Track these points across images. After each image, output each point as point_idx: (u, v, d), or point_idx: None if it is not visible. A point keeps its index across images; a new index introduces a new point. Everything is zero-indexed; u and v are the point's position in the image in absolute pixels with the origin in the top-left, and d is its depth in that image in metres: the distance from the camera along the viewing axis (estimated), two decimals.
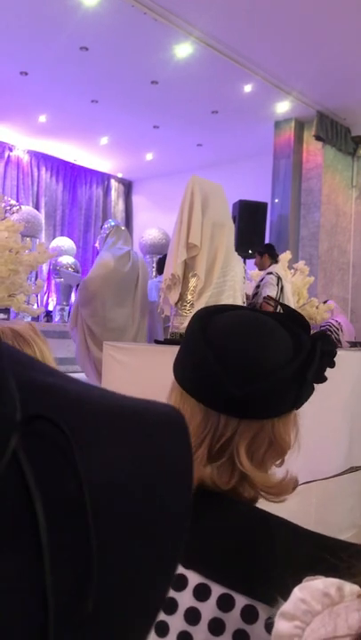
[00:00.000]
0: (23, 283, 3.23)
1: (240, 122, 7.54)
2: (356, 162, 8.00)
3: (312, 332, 0.81)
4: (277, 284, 4.45)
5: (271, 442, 0.72)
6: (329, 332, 5.57)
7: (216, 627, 0.60)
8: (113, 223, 4.45)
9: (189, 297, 2.92)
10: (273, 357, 0.73)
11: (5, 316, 5.38)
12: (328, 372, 0.82)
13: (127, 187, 11.03)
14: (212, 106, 7.19)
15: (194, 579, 0.63)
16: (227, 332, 0.76)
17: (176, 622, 0.62)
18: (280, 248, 6.17)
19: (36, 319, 6.63)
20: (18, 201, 8.61)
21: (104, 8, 5.21)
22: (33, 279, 6.92)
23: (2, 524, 0.22)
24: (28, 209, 8.45)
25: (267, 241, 7.04)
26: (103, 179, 10.60)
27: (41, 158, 9.59)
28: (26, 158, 9.43)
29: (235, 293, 3.03)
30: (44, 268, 8.94)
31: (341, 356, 3.92)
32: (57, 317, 8.15)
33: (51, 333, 5.86)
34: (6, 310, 4.97)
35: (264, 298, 4.34)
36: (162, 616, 0.63)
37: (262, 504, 0.78)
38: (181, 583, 0.63)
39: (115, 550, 0.25)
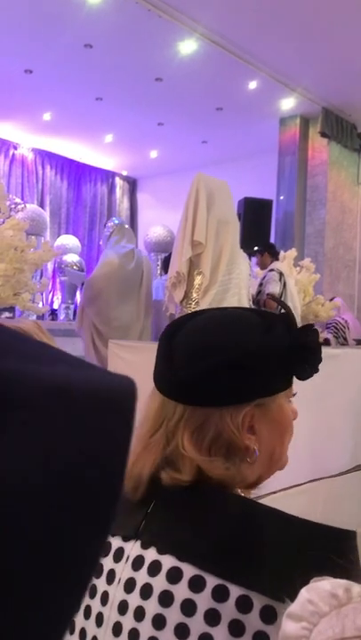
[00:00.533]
0: (28, 281, 3.23)
1: (245, 119, 7.52)
2: None
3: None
4: (280, 280, 4.44)
5: (219, 434, 0.71)
6: (335, 330, 5.56)
7: (212, 617, 0.60)
8: (116, 221, 4.44)
9: (194, 295, 2.91)
10: (223, 343, 0.73)
11: (10, 315, 5.39)
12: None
13: (132, 184, 11.03)
14: (217, 103, 7.17)
15: (188, 571, 0.64)
16: (193, 323, 0.78)
17: (173, 615, 0.62)
18: (285, 245, 6.16)
19: (41, 317, 6.63)
20: (22, 199, 8.62)
21: (108, 5, 5.20)
22: (38, 277, 6.93)
23: None
24: (32, 207, 8.46)
25: (272, 238, 7.03)
26: (108, 176, 10.60)
27: (45, 156, 9.59)
28: (30, 156, 9.43)
29: (240, 291, 3.03)
30: (49, 266, 8.95)
31: (348, 353, 3.94)
32: (62, 316, 8.16)
33: (56, 332, 5.86)
34: (11, 309, 4.98)
35: (267, 295, 4.32)
36: (158, 609, 0.63)
37: (269, 501, 0.78)
38: (177, 576, 0.64)
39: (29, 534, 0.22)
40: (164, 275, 4.83)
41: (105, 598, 0.69)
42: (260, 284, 4.55)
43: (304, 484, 2.72)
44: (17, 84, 6.88)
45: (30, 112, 7.77)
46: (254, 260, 5.50)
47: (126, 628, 0.65)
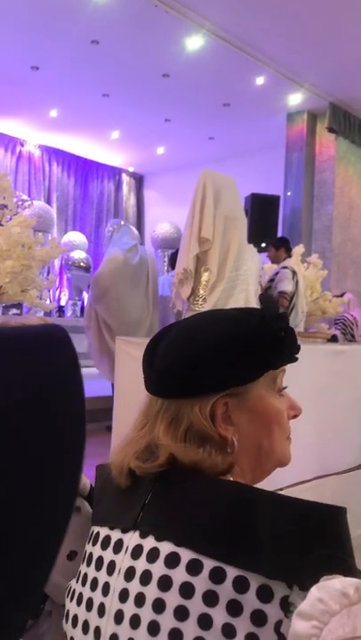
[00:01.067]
0: (36, 278, 3.24)
1: (252, 114, 7.49)
2: None
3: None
4: (293, 279, 4.42)
5: (192, 425, 0.73)
6: (343, 326, 5.53)
7: (210, 598, 0.62)
8: (116, 221, 4.51)
9: (202, 291, 2.90)
10: (192, 338, 0.76)
11: (18, 312, 5.41)
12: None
13: (138, 181, 11.02)
14: (224, 98, 7.15)
15: (186, 555, 0.65)
16: (180, 323, 0.82)
17: (172, 598, 0.64)
18: (293, 241, 6.13)
19: (48, 314, 6.65)
20: (29, 196, 8.64)
21: (115, 1, 5.19)
22: (45, 274, 6.95)
23: None
24: (39, 204, 8.47)
25: (279, 234, 7.00)
26: (114, 173, 10.60)
27: (52, 153, 9.60)
28: (37, 153, 9.44)
29: (248, 287, 3.02)
30: (56, 263, 8.97)
31: (355, 350, 3.91)
32: (69, 312, 8.18)
33: None
34: (19, 305, 5.00)
35: (279, 292, 4.31)
36: (158, 594, 0.65)
37: None
38: (174, 560, 0.65)
39: None
40: (171, 271, 4.83)
41: (106, 589, 0.70)
42: (271, 280, 4.53)
43: (311, 480, 2.72)
44: (23, 81, 6.88)
45: (37, 109, 7.77)
46: (263, 255, 5.48)
47: (127, 615, 0.66)
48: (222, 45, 5.83)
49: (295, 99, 7.12)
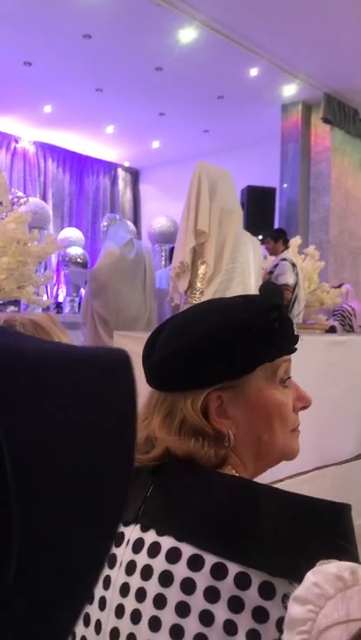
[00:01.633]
0: (32, 274, 3.23)
1: (246, 106, 7.46)
2: None
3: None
4: (293, 271, 4.41)
5: (185, 418, 0.73)
6: (342, 317, 5.54)
7: (211, 595, 0.62)
8: (112, 215, 4.50)
9: (199, 284, 2.90)
10: (185, 330, 0.75)
11: (16, 309, 5.40)
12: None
13: (134, 175, 10.99)
14: (218, 91, 7.12)
15: (187, 550, 0.65)
16: (179, 314, 0.82)
17: (173, 594, 0.64)
18: (290, 233, 6.12)
19: (46, 310, 6.64)
20: (25, 193, 8.60)
21: None
22: (42, 271, 6.94)
23: None
24: (35, 200, 8.45)
25: (276, 226, 6.99)
26: (110, 168, 10.57)
27: (47, 149, 9.57)
28: (32, 149, 9.41)
29: (245, 279, 3.02)
30: (53, 259, 8.96)
31: (353, 340, 3.93)
32: (67, 309, 8.17)
33: (61, 325, 5.87)
34: (16, 302, 4.99)
35: (282, 285, 4.30)
36: (159, 589, 0.65)
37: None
38: (176, 556, 0.65)
39: (42, 513, 0.23)
40: (169, 265, 4.83)
41: (107, 582, 0.70)
42: (270, 272, 4.52)
43: (310, 471, 2.72)
44: (16, 77, 6.85)
45: (31, 105, 7.74)
46: (263, 246, 5.47)
47: (128, 609, 0.66)
48: (215, 37, 5.80)
49: (290, 90, 7.10)
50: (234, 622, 0.60)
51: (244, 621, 0.59)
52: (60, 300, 8.65)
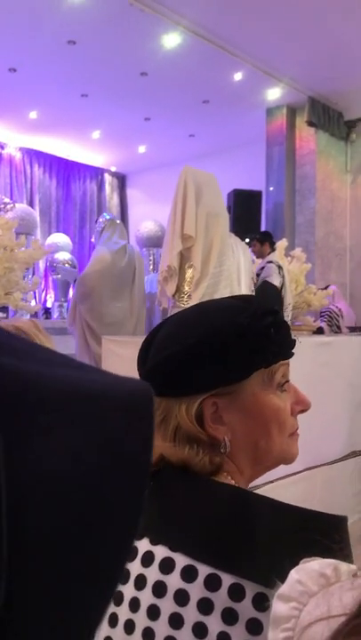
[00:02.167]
0: (19, 280, 3.22)
1: (231, 110, 7.50)
2: (349, 146, 7.96)
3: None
4: (280, 273, 4.43)
5: (179, 425, 0.72)
6: (329, 318, 5.57)
7: (205, 606, 0.61)
8: (108, 217, 4.43)
9: (186, 288, 2.91)
10: (178, 334, 0.74)
11: (4, 315, 5.38)
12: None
13: (121, 180, 10.99)
14: (203, 95, 7.15)
15: (181, 561, 0.64)
16: (173, 316, 0.81)
17: (166, 605, 0.63)
18: (276, 236, 6.16)
19: (34, 316, 6.62)
20: (12, 199, 8.58)
21: (90, 0, 5.17)
22: (30, 276, 6.91)
23: None
24: (22, 206, 8.42)
25: (263, 229, 7.02)
26: (97, 173, 10.56)
27: (33, 155, 9.55)
28: (18, 156, 9.38)
29: (232, 283, 3.03)
30: (41, 265, 8.93)
31: (341, 341, 3.97)
32: (56, 314, 8.15)
33: (50, 330, 5.82)
34: (4, 309, 4.97)
35: None
36: (152, 599, 0.64)
37: (267, 490, 0.78)
38: (169, 566, 0.64)
39: (38, 557, 0.22)
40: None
41: None
42: (257, 275, 4.54)
43: (301, 472, 2.74)
44: (1, 83, 6.83)
45: (16, 111, 7.72)
46: (249, 249, 5.49)
47: (122, 619, 0.66)
48: (199, 42, 5.83)
49: (274, 93, 7.14)
50: (228, 634, 0.59)
51: (238, 633, 0.59)
52: (49, 305, 8.62)
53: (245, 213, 6.96)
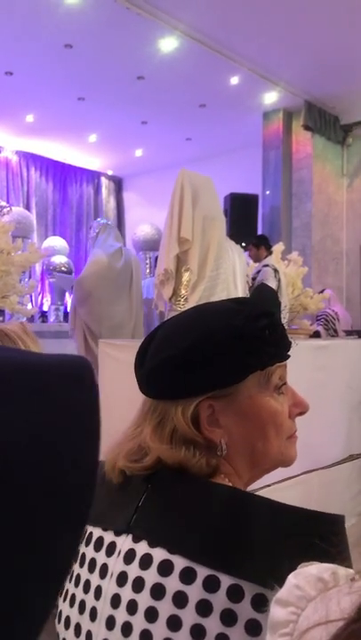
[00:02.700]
0: (16, 283, 3.22)
1: (228, 114, 7.52)
2: (345, 150, 7.99)
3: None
4: (275, 277, 4.44)
5: (175, 428, 0.72)
6: (325, 322, 5.58)
7: (204, 608, 0.61)
8: (102, 221, 4.43)
9: (183, 291, 2.91)
10: (173, 336, 0.74)
11: (1, 318, 5.36)
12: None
13: (118, 184, 11.00)
14: (200, 99, 7.17)
15: (179, 563, 0.64)
16: (171, 319, 0.81)
17: (165, 607, 0.63)
18: (273, 239, 6.16)
19: (31, 319, 6.61)
20: (8, 202, 8.57)
21: (87, 4, 5.17)
22: (27, 280, 6.91)
23: None
24: (18, 210, 8.42)
25: (259, 233, 7.03)
26: (93, 177, 10.57)
27: (30, 158, 9.55)
28: (15, 159, 9.38)
29: (228, 286, 3.03)
30: (38, 268, 8.92)
31: (337, 345, 3.97)
32: (52, 317, 8.13)
33: (46, 334, 5.84)
34: (0, 312, 4.96)
35: None
36: (151, 602, 0.64)
37: (264, 493, 0.78)
38: (168, 568, 0.64)
39: None
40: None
41: (98, 592, 0.69)
42: (253, 279, 4.55)
43: (298, 475, 2.73)
44: None
45: (13, 114, 7.72)
46: (246, 253, 5.50)
47: (119, 621, 0.65)
48: (196, 46, 5.84)
49: (270, 97, 7.16)
50: (227, 636, 0.59)
51: (237, 635, 0.58)
52: (45, 308, 8.61)
53: (242, 217, 6.97)
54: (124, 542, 0.69)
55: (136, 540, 0.68)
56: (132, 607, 0.65)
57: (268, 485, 2.34)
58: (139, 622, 0.64)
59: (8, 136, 8.69)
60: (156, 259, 5.02)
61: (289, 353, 0.78)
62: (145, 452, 0.73)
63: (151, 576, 0.65)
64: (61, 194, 10.17)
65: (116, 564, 0.69)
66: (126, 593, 0.66)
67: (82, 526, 0.28)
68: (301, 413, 0.81)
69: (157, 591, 0.64)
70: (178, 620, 0.61)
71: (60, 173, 10.10)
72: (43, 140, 8.75)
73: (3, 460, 0.23)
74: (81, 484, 0.27)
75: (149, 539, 0.67)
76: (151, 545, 0.67)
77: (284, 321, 0.79)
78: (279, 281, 4.46)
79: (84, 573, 0.72)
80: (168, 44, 5.83)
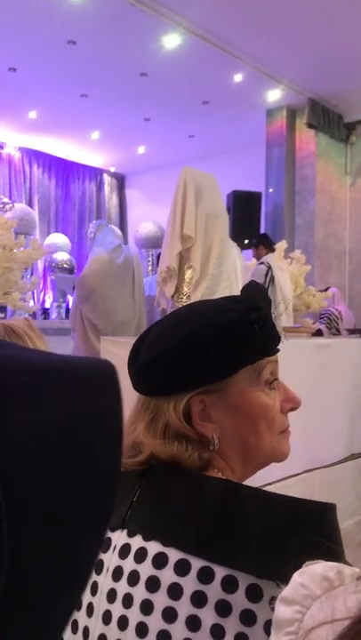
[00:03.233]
0: (18, 280, 3.22)
1: (231, 112, 7.50)
2: (349, 148, 7.97)
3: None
4: (266, 275, 4.44)
5: (168, 423, 0.73)
6: (328, 320, 5.57)
7: (198, 599, 0.61)
8: (98, 222, 4.48)
9: (185, 289, 2.90)
10: (163, 334, 0.75)
11: (2, 315, 5.36)
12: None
13: (120, 181, 10.99)
14: (203, 96, 7.15)
15: (173, 555, 0.64)
16: (163, 318, 0.82)
17: (160, 599, 0.63)
18: (276, 237, 6.16)
19: (33, 316, 6.61)
20: (10, 199, 8.57)
21: (90, 0, 5.16)
22: (29, 276, 6.91)
23: None
24: (21, 206, 8.42)
25: (262, 231, 7.03)
26: (96, 174, 10.56)
27: (32, 155, 9.54)
28: (17, 155, 9.38)
29: (231, 284, 3.03)
30: (40, 265, 8.92)
31: (340, 343, 3.96)
32: (54, 314, 8.14)
33: (48, 330, 5.85)
34: (2, 308, 4.96)
35: None
36: (146, 595, 0.64)
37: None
38: (162, 561, 0.65)
39: (25, 518, 0.23)
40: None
41: (94, 588, 0.70)
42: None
43: (300, 474, 2.73)
44: (1, 83, 6.83)
45: (15, 111, 7.72)
46: (247, 253, 5.49)
47: (115, 615, 0.66)
48: (200, 43, 5.83)
49: (274, 95, 7.14)
50: (221, 626, 0.59)
51: (232, 625, 0.59)
52: (47, 305, 8.61)
53: (245, 215, 6.96)
54: (119, 537, 0.70)
55: (131, 534, 0.69)
56: (127, 601, 0.65)
57: (270, 484, 2.34)
58: (134, 615, 0.64)
59: (11, 132, 8.69)
60: (159, 256, 5.02)
61: (278, 347, 0.78)
62: (139, 449, 0.74)
63: (146, 569, 0.65)
64: (64, 191, 10.17)
65: (111, 560, 0.69)
66: (122, 587, 0.67)
67: (103, 531, 0.28)
68: (294, 409, 0.82)
69: (152, 584, 0.64)
70: (173, 611, 0.62)
71: (63, 170, 10.10)
72: (45, 136, 8.75)
73: (29, 460, 0.23)
74: (103, 488, 0.27)
75: (144, 533, 0.68)
76: (146, 539, 0.67)
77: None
78: (272, 278, 4.45)
79: None
80: (171, 41, 5.81)
